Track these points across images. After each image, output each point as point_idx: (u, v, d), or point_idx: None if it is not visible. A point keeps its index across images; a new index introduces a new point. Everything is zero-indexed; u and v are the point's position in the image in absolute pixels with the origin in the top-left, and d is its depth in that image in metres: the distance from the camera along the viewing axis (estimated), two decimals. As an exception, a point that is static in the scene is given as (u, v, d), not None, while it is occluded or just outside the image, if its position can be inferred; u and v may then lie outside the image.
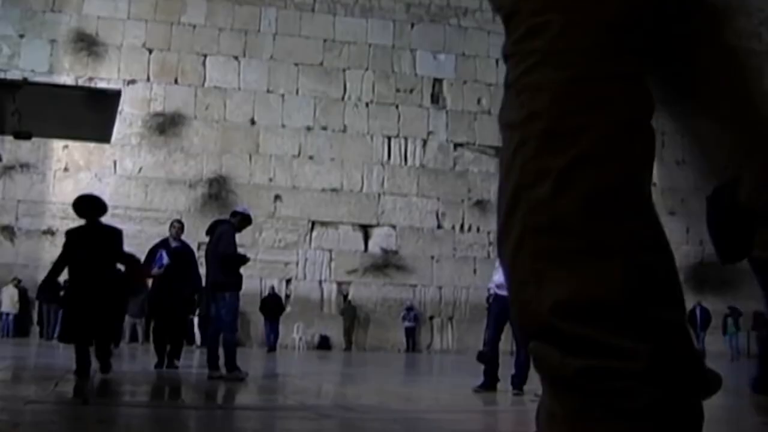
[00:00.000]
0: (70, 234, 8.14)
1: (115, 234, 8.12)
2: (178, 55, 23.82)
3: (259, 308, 21.26)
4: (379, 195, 24.46)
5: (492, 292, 8.28)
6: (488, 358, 8.01)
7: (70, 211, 20.85)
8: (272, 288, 22.14)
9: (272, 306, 21.28)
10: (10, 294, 21.43)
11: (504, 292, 8.04)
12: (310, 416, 5.22)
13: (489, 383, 7.91)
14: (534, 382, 8.05)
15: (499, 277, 8.12)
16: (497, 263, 8.18)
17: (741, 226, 1.16)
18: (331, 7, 25.04)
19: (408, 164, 24.83)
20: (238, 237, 9.20)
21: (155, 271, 10.27)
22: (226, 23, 24.19)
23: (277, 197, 23.55)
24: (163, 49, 23.75)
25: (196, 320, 22.16)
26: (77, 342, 7.66)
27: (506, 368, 8.06)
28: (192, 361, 12.21)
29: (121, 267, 8.21)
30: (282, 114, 24.15)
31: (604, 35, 1.03)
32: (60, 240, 20.90)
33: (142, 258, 9.85)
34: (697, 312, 23.25)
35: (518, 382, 7.75)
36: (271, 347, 20.17)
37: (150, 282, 10.42)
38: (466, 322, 23.58)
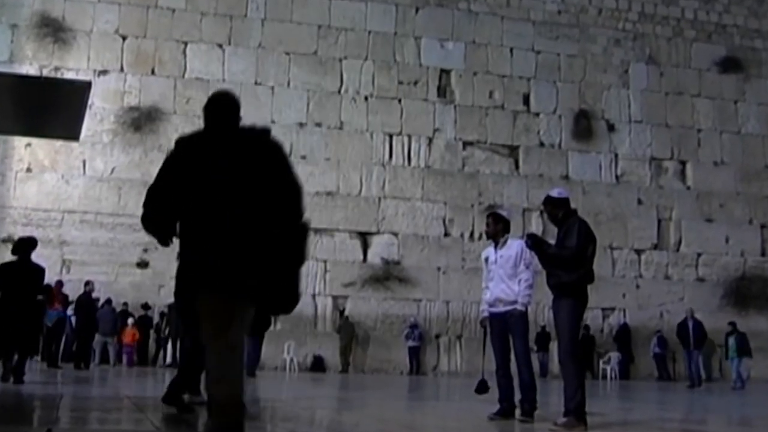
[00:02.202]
0: (3, 269, 11.38)
1: (39, 271, 11.40)
2: (155, 42, 23.85)
3: None
4: (380, 199, 24.47)
5: (486, 313, 8.28)
6: (501, 383, 8.00)
7: (34, 217, 21.37)
8: None
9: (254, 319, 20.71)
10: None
11: (498, 309, 8.08)
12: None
13: (506, 409, 7.90)
14: (548, 408, 8.03)
15: (489, 294, 8.18)
16: (488, 278, 8.25)
17: None
18: (326, -11, 25.09)
19: (412, 165, 24.85)
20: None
21: None
22: (209, 7, 24.23)
23: (265, 201, 23.54)
24: (139, 36, 23.78)
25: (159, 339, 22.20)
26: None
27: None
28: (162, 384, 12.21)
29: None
30: (271, 109, 24.16)
31: None
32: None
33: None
34: (690, 326, 21.39)
35: (528, 408, 7.75)
36: (249, 370, 17.10)
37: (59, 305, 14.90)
38: (477, 342, 23.49)
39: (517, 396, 7.90)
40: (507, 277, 8.04)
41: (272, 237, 4.10)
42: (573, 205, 7.64)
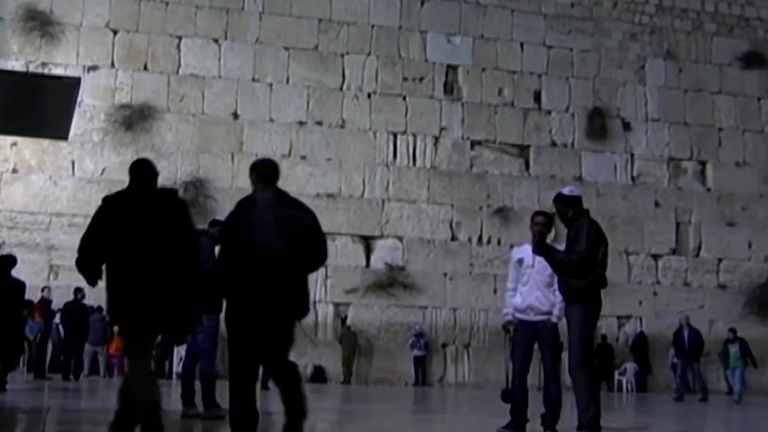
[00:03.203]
0: None
1: (20, 286, 12.96)
2: (148, 36, 23.87)
3: None
4: (383, 201, 24.46)
5: (512, 317, 8.21)
6: (515, 395, 7.98)
7: (20, 220, 21.69)
8: None
9: None
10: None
11: (529, 317, 8.00)
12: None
13: (517, 422, 7.89)
14: (561, 422, 8.02)
15: (521, 299, 8.08)
16: (517, 283, 8.16)
17: None
18: (328, -19, 25.11)
19: (417, 165, 24.84)
20: (218, 250, 9.20)
21: None
22: (204, 0, 24.25)
23: (263, 204, 23.54)
24: (130, 30, 23.81)
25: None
26: None
27: (535, 405, 8.04)
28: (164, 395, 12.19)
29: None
30: (270, 106, 24.18)
31: None
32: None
33: None
34: (685, 335, 20.95)
35: (550, 421, 7.73)
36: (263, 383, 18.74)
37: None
38: (485, 351, 23.53)
39: (538, 409, 7.89)
40: (544, 285, 7.92)
41: (173, 277, 5.35)
42: (585, 206, 7.59)
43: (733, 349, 21.08)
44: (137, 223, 5.29)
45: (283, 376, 5.75)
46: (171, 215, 5.49)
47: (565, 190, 7.62)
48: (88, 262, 5.35)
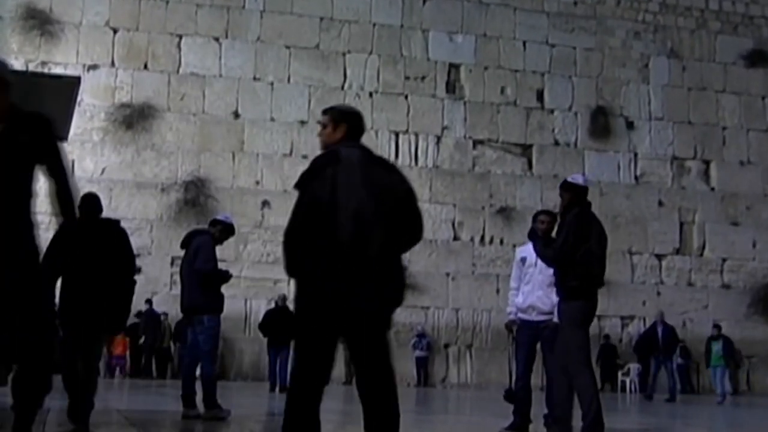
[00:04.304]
0: None
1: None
2: (148, 35, 23.88)
3: (259, 327, 18.94)
4: (385, 201, 24.43)
5: (515, 317, 8.20)
6: (519, 396, 7.98)
7: None
8: (282, 299, 19.02)
9: (281, 325, 17.87)
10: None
11: (531, 317, 7.99)
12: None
13: (520, 423, 7.89)
14: (573, 422, 8.01)
15: (522, 299, 8.07)
16: (520, 282, 8.14)
17: None
18: (329, -21, 25.10)
19: (419, 165, 24.83)
20: (219, 250, 9.21)
21: None
22: (204, -2, 24.25)
23: (265, 203, 23.57)
24: (130, 29, 23.81)
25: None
26: None
27: (537, 405, 8.04)
28: (165, 396, 12.22)
29: None
30: (271, 106, 24.18)
31: None
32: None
33: None
34: (659, 332, 20.31)
35: (553, 422, 7.73)
36: (281, 385, 17.08)
37: None
38: (488, 352, 23.53)
39: (540, 409, 7.88)
40: (546, 284, 7.79)
41: (110, 288, 6.81)
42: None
43: (716, 347, 20.58)
44: (84, 247, 6.71)
45: (378, 389, 4.47)
46: (111, 240, 6.97)
47: (572, 177, 7.44)
48: (47, 276, 6.51)
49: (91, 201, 7.04)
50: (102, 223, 7.12)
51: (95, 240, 6.80)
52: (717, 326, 21.35)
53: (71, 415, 6.80)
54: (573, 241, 6.91)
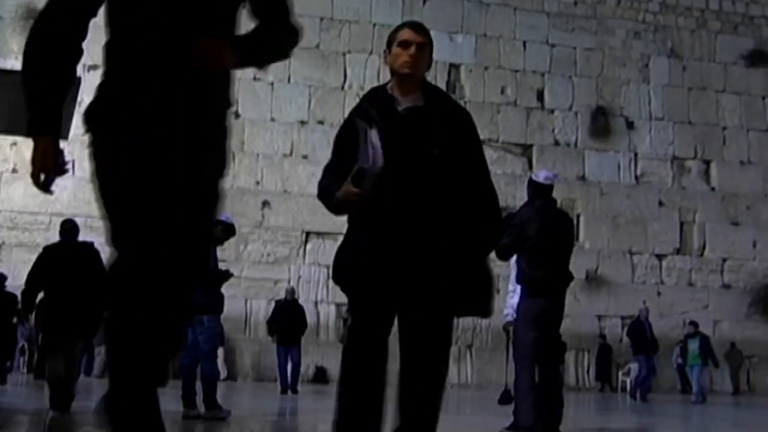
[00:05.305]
0: None
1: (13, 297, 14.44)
2: (149, 35, 23.87)
3: (268, 322, 18.03)
4: (385, 201, 24.44)
5: (512, 318, 8.19)
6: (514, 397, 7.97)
7: (20, 220, 21.77)
8: (290, 292, 18.57)
9: (291, 321, 17.04)
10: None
11: None
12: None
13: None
14: (565, 423, 8.02)
15: (518, 299, 8.07)
16: (515, 283, 8.15)
17: None
18: (329, -21, 25.11)
19: (419, 165, 24.81)
20: (219, 250, 9.22)
21: None
22: (204, -2, 24.24)
23: (265, 204, 23.57)
24: (131, 29, 23.80)
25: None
26: None
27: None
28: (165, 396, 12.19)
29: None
30: (271, 106, 24.18)
31: None
32: (6, 256, 20.94)
33: None
34: (647, 328, 19.93)
35: (552, 423, 7.72)
36: (291, 387, 16.80)
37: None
38: (488, 352, 23.52)
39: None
40: None
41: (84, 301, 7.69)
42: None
43: (693, 345, 20.01)
44: (62, 266, 7.91)
45: (425, 387, 3.98)
46: (86, 261, 7.97)
47: (535, 174, 7.59)
48: (32, 297, 7.95)
49: (70, 228, 8.43)
50: (77, 246, 8.34)
51: (71, 260, 8.01)
52: (693, 323, 20.85)
53: (53, 404, 7.38)
54: (506, 240, 6.92)
